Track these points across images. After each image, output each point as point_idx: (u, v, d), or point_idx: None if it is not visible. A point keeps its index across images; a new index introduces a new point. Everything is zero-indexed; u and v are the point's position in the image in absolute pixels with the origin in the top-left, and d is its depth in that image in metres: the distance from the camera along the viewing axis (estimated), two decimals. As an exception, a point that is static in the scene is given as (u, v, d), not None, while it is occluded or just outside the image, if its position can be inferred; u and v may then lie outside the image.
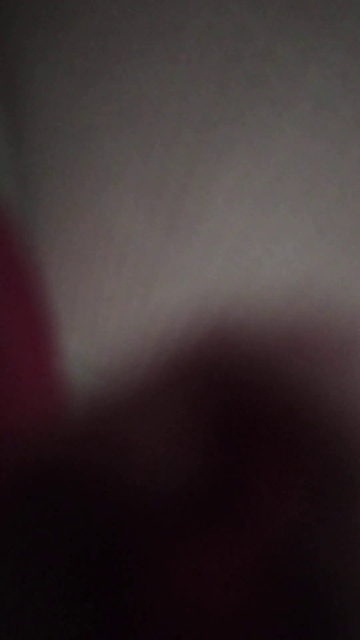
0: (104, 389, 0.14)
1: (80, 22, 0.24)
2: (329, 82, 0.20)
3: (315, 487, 0.12)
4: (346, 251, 0.21)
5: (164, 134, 0.23)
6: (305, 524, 0.12)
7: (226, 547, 0.12)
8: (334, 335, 0.14)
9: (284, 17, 0.20)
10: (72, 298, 0.28)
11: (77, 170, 0.26)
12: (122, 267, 0.26)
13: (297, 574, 0.12)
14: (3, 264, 0.26)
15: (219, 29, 0.21)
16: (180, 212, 0.24)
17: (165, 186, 0.24)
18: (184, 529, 0.12)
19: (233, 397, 0.13)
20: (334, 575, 0.12)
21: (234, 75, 0.21)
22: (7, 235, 0.27)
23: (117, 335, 0.27)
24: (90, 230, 0.27)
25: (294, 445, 0.13)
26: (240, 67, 0.21)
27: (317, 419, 0.13)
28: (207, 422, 0.13)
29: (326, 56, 0.19)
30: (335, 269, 0.21)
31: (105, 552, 0.12)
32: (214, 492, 0.12)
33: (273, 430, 0.13)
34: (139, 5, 0.22)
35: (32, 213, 0.29)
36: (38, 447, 0.13)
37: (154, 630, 0.11)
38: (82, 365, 0.28)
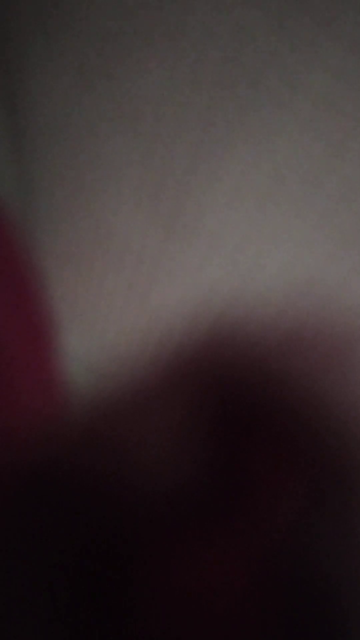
0: (104, 389, 0.14)
1: (80, 23, 0.24)
2: (329, 82, 0.20)
3: (315, 488, 0.12)
4: (346, 251, 0.21)
5: (164, 134, 0.23)
6: (305, 524, 0.12)
7: (226, 547, 0.12)
8: (334, 335, 0.14)
9: (284, 17, 0.20)
10: (72, 298, 0.28)
11: (77, 170, 0.26)
12: (122, 267, 0.26)
13: (297, 574, 0.12)
14: (3, 264, 0.26)
15: (219, 29, 0.21)
16: (180, 212, 0.24)
17: (165, 186, 0.24)
18: (184, 529, 0.12)
19: (233, 397, 0.13)
20: (334, 576, 0.12)
21: (234, 75, 0.21)
22: (7, 235, 0.27)
23: (117, 335, 0.27)
24: (90, 231, 0.27)
25: (293, 445, 0.13)
26: (240, 67, 0.21)
27: (317, 419, 0.13)
28: (207, 422, 0.13)
29: (326, 56, 0.19)
30: (335, 269, 0.21)
31: (104, 552, 0.12)
32: (213, 492, 0.12)
33: (273, 431, 0.13)
34: (139, 5, 0.22)
35: (32, 213, 0.29)
36: (38, 447, 0.13)
37: (154, 629, 0.11)
38: (82, 365, 0.28)
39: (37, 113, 0.27)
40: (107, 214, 0.26)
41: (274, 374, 0.13)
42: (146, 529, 0.12)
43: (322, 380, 0.13)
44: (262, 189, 0.22)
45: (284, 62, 0.20)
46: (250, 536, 0.12)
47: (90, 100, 0.25)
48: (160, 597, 0.12)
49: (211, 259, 0.24)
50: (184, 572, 0.12)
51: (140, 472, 0.12)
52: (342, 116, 0.20)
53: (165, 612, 0.11)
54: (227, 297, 0.23)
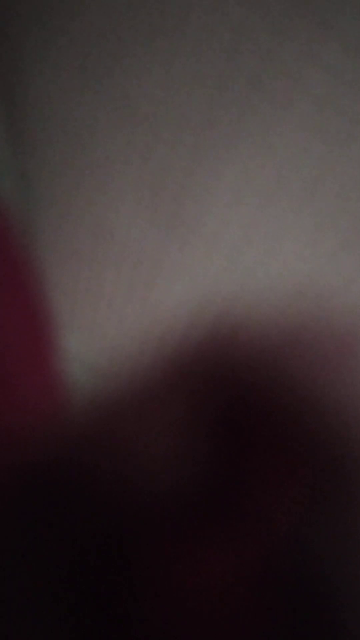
0: (104, 389, 0.14)
1: (80, 22, 0.24)
2: (329, 82, 0.20)
3: (315, 487, 0.12)
4: (346, 251, 0.21)
5: (164, 133, 0.23)
6: (305, 523, 0.12)
7: (227, 546, 0.12)
8: (334, 335, 0.14)
9: (284, 17, 0.20)
10: (72, 298, 0.28)
11: (77, 170, 0.26)
12: (122, 267, 0.26)
13: (297, 574, 0.12)
14: (3, 263, 0.26)
15: (219, 29, 0.21)
16: (180, 212, 0.24)
17: (165, 186, 0.24)
18: (185, 528, 0.12)
19: (233, 397, 0.13)
20: (334, 575, 0.12)
21: (233, 75, 0.21)
22: (7, 235, 0.27)
23: (117, 335, 0.27)
24: (90, 230, 0.27)
25: (294, 445, 0.13)
26: (240, 67, 0.21)
27: (317, 419, 0.13)
28: (207, 422, 0.13)
29: (326, 56, 0.19)
30: (335, 269, 0.21)
31: (105, 552, 0.12)
32: (214, 491, 0.12)
33: (273, 430, 0.13)
34: (139, 5, 0.22)
35: (32, 213, 0.29)
36: (38, 447, 0.13)
37: (154, 629, 0.11)
38: (82, 365, 0.28)
39: (37, 113, 0.27)
40: (107, 213, 0.26)
41: (274, 374, 0.13)
42: (147, 528, 0.12)
43: (322, 380, 0.13)
44: (263, 189, 0.22)
45: (284, 62, 0.20)
46: (250, 536, 0.12)
47: (90, 100, 0.25)
48: (160, 596, 0.12)
49: (211, 259, 0.24)
50: (185, 571, 0.12)
51: (141, 472, 0.12)
52: (342, 116, 0.20)
53: (166, 611, 0.11)
54: (227, 297, 0.23)
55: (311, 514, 0.12)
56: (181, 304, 0.24)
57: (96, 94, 0.24)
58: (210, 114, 0.22)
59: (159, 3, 0.22)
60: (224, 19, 0.21)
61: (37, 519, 0.12)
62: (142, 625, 0.11)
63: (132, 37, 0.23)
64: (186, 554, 0.12)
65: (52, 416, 0.14)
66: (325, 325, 0.15)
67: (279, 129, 0.21)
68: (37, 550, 0.12)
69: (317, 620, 0.12)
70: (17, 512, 0.12)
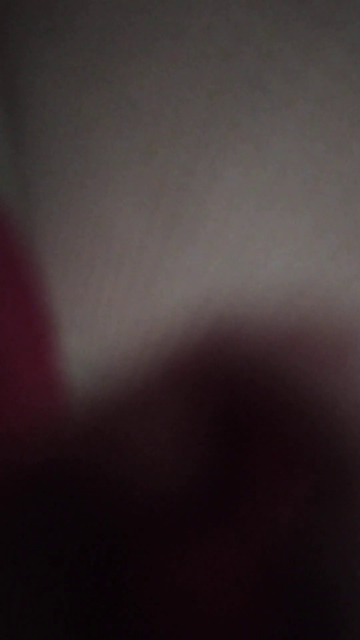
0: (104, 389, 0.14)
1: (80, 23, 0.24)
2: (329, 82, 0.20)
3: (316, 487, 0.12)
4: (346, 251, 0.21)
5: (163, 134, 0.23)
6: (305, 523, 0.12)
7: (226, 546, 0.12)
8: (334, 335, 0.14)
9: (284, 17, 0.20)
10: (72, 298, 0.28)
11: (77, 170, 0.26)
12: (122, 267, 0.26)
13: (297, 574, 0.12)
14: (3, 264, 0.26)
15: (219, 29, 0.21)
16: (180, 212, 0.24)
17: (165, 186, 0.24)
18: (185, 528, 0.12)
19: (233, 397, 0.13)
20: (334, 575, 0.12)
21: (233, 75, 0.21)
22: (7, 236, 0.27)
23: (117, 335, 0.27)
24: (90, 231, 0.27)
25: (294, 445, 0.13)
26: (240, 67, 0.21)
27: (317, 419, 0.13)
28: (207, 422, 0.13)
29: (326, 56, 0.19)
30: (335, 269, 0.21)
31: (105, 552, 0.12)
32: (214, 491, 0.12)
33: (273, 430, 0.13)
34: (139, 5, 0.22)
35: (32, 213, 0.29)
36: (38, 447, 0.13)
37: (154, 629, 0.11)
38: (82, 365, 0.28)
39: (37, 113, 0.27)
40: (107, 214, 0.26)
41: (274, 374, 0.13)
42: (146, 528, 0.12)
43: (322, 379, 0.13)
44: (262, 189, 0.22)
45: (284, 62, 0.20)
46: (250, 536, 0.12)
47: (90, 101, 0.25)
48: (160, 596, 0.12)
49: (211, 259, 0.24)
50: (185, 571, 0.12)
51: (141, 472, 0.12)
52: (342, 116, 0.20)
53: (165, 611, 0.11)
54: (227, 297, 0.23)
55: (312, 514, 0.12)
56: (181, 304, 0.24)
57: (96, 94, 0.25)
58: (210, 114, 0.22)
59: (159, 4, 0.22)
60: (224, 19, 0.21)
61: (36, 519, 0.12)
62: (142, 625, 0.11)
63: (132, 37, 0.23)
64: (186, 554, 0.12)
65: (51, 416, 0.14)
66: (325, 324, 0.15)
67: (279, 129, 0.21)
68: (37, 550, 0.12)
69: (318, 620, 0.12)
70: (16, 512, 0.12)
